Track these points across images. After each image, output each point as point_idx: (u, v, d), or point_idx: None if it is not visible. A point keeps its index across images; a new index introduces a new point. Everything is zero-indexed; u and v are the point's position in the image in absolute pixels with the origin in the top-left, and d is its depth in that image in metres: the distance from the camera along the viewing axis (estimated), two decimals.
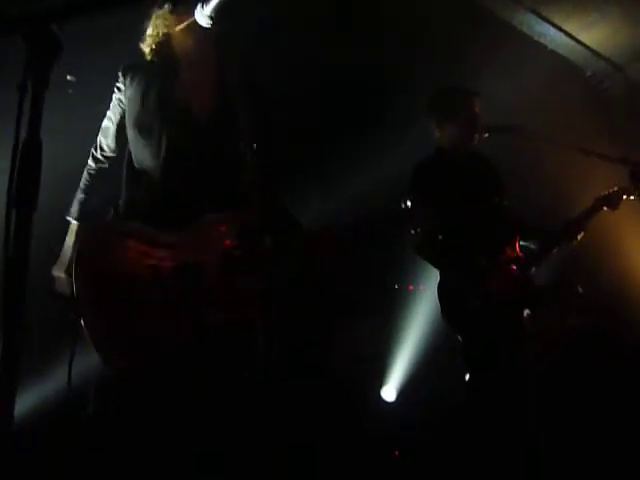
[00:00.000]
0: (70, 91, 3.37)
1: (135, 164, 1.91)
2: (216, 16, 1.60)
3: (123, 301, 1.65)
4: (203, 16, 1.60)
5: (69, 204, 2.03)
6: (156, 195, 1.82)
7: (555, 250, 2.96)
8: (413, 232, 2.38)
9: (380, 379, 4.18)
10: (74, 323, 1.66)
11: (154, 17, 1.92)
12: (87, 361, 1.86)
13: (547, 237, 2.94)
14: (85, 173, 2.03)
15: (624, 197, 2.91)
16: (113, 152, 2.02)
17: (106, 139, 2.02)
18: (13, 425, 0.81)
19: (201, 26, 1.79)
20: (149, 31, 1.95)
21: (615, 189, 2.92)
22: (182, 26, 1.87)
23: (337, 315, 4.11)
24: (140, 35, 1.98)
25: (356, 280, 4.32)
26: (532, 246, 2.97)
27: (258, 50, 3.47)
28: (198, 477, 1.79)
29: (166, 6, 1.90)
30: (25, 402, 2.89)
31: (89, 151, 2.09)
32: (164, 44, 1.94)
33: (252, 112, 1.92)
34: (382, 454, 3.74)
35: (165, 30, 1.92)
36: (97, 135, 2.06)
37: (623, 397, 3.43)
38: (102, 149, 2.03)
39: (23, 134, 0.81)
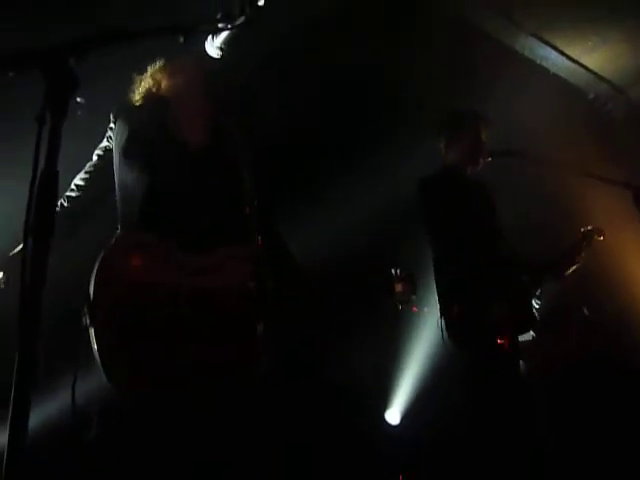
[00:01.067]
0: (79, 113, 3.42)
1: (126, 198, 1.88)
2: (226, 48, 1.64)
3: (135, 314, 1.63)
4: (213, 47, 1.63)
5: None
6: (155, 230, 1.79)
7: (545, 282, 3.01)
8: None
9: (384, 402, 4.16)
10: (78, 345, 1.66)
11: (147, 75, 1.97)
12: (90, 383, 1.86)
13: (536, 270, 2.98)
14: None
15: (595, 237, 3.01)
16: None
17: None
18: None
19: (190, 64, 1.86)
20: (139, 87, 1.98)
21: (589, 228, 3.02)
22: (170, 69, 1.91)
23: (340, 337, 4.10)
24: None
25: (360, 302, 4.32)
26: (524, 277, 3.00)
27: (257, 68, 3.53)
28: None
29: (161, 61, 1.93)
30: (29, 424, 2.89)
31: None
32: (154, 88, 1.97)
33: (248, 144, 1.95)
34: (387, 478, 3.70)
35: (155, 83, 1.96)
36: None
37: (628, 420, 3.41)
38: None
39: (41, 164, 0.83)
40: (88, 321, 1.59)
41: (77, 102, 3.64)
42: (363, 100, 4.03)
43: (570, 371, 3.71)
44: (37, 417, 2.85)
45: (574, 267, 2.97)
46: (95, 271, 1.64)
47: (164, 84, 1.93)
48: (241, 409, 1.84)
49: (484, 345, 2.67)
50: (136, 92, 1.96)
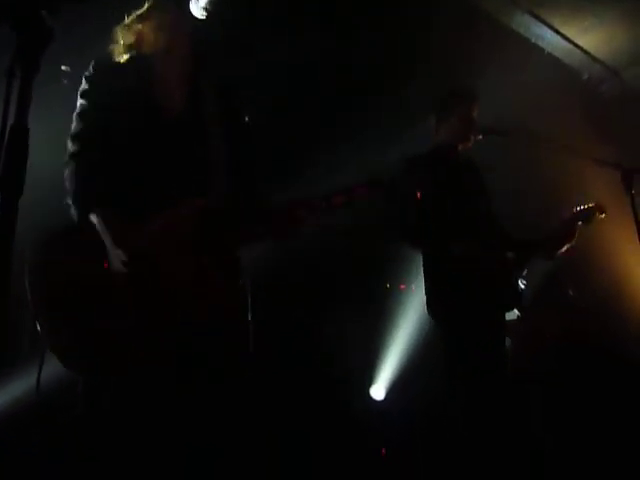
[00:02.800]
0: (65, 82, 3.36)
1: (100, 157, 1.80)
2: (211, 8, 1.60)
3: (76, 303, 1.63)
4: (198, 7, 1.59)
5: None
6: (122, 189, 1.75)
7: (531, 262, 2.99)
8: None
9: (369, 378, 4.20)
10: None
11: (129, 25, 1.89)
12: None
13: (525, 249, 2.96)
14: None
15: (597, 215, 2.94)
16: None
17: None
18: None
19: (175, 18, 1.80)
20: (122, 40, 1.90)
21: (590, 205, 2.96)
22: (155, 24, 1.85)
23: (327, 313, 4.11)
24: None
25: (348, 279, 4.33)
26: (512, 255, 2.99)
27: (253, 48, 3.48)
28: (188, 473, 1.78)
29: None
30: (13, 401, 2.89)
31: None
32: (136, 43, 1.90)
33: (225, 111, 1.91)
34: (370, 452, 3.75)
35: (138, 37, 1.89)
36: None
37: (611, 398, 3.46)
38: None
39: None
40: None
41: (62, 70, 3.52)
42: (351, 78, 4.00)
43: (554, 350, 3.75)
44: (22, 392, 2.85)
45: (567, 246, 2.96)
46: (26, 273, 1.64)
47: (146, 39, 1.88)
48: (227, 385, 1.82)
49: (462, 322, 2.68)
50: (118, 46, 1.89)
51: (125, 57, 1.88)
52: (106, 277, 1.67)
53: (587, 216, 2.95)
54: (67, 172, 1.77)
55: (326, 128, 4.05)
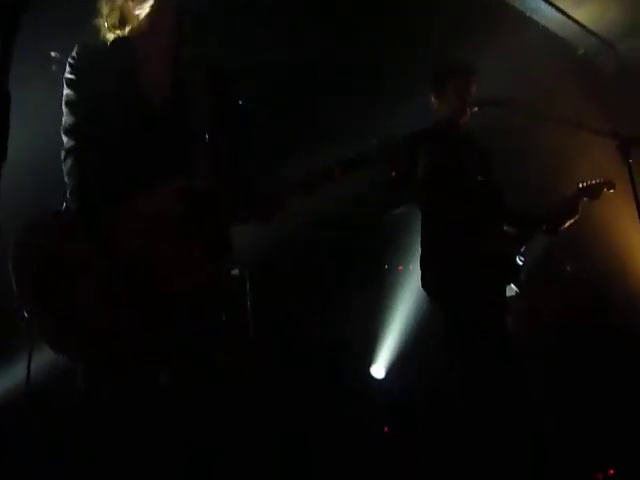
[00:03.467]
0: (54, 68, 3.31)
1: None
2: None
3: (60, 291, 1.61)
4: None
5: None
6: (102, 178, 1.74)
7: (533, 237, 2.97)
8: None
9: (369, 357, 4.21)
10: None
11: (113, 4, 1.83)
12: None
13: (527, 225, 2.94)
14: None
15: (605, 190, 2.91)
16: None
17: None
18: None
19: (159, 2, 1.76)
20: (105, 10, 1.84)
21: (598, 181, 2.92)
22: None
23: (326, 295, 4.11)
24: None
25: (346, 260, 4.33)
26: (513, 230, 2.97)
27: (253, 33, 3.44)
28: (182, 459, 1.78)
29: None
30: (13, 383, 2.89)
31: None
32: (120, 20, 1.83)
33: (209, 95, 1.87)
34: (371, 431, 3.77)
35: (119, 11, 1.82)
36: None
37: (610, 374, 3.47)
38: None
39: None
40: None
41: (52, 57, 3.47)
42: (350, 55, 3.95)
43: (553, 327, 3.76)
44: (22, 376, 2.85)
45: (570, 222, 2.93)
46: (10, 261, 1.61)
47: (129, 15, 1.82)
48: (229, 369, 1.83)
49: (460, 297, 2.67)
50: (102, 23, 1.84)
51: (110, 37, 1.84)
52: (93, 261, 1.64)
53: (594, 192, 2.92)
54: (66, 167, 1.76)
55: (323, 113, 4.02)
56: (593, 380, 3.44)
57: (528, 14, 4.41)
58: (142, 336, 1.66)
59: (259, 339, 3.35)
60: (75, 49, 1.82)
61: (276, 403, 3.34)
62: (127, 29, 1.83)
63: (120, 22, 1.82)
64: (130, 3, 1.80)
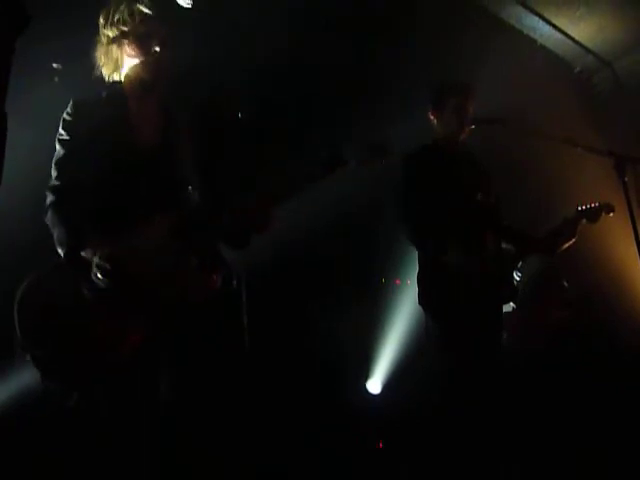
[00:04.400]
0: (56, 79, 3.34)
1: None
2: None
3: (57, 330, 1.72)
4: None
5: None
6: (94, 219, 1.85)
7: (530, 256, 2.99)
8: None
9: (366, 372, 4.19)
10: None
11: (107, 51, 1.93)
12: None
13: (525, 244, 2.95)
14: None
15: (604, 213, 2.93)
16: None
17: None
18: None
19: (153, 55, 1.84)
20: (102, 60, 1.95)
21: (597, 204, 2.95)
22: (133, 54, 1.87)
23: (323, 309, 4.11)
24: None
25: (343, 274, 4.33)
26: (510, 248, 2.98)
27: (250, 48, 3.46)
28: (180, 462, 1.79)
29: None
30: (8, 391, 2.88)
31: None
32: (115, 70, 1.96)
33: (202, 128, 1.98)
34: (366, 445, 3.75)
35: (117, 59, 1.93)
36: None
37: (604, 388, 3.46)
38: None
39: None
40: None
41: (54, 68, 3.50)
42: (346, 72, 3.98)
43: (549, 343, 3.75)
44: (17, 384, 2.83)
45: (568, 244, 2.95)
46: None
47: (125, 68, 1.93)
48: (225, 378, 1.85)
49: (458, 315, 2.67)
50: (101, 72, 1.96)
51: (106, 89, 1.96)
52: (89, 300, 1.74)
53: (593, 215, 2.94)
54: (48, 219, 1.87)
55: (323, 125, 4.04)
56: (589, 396, 3.44)
57: (525, 32, 4.45)
58: (141, 355, 1.72)
59: (254, 353, 3.34)
60: (69, 106, 1.93)
61: (271, 417, 3.33)
62: (123, 75, 1.94)
63: (115, 70, 1.94)
64: (125, 56, 1.90)
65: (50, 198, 1.89)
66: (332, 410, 3.76)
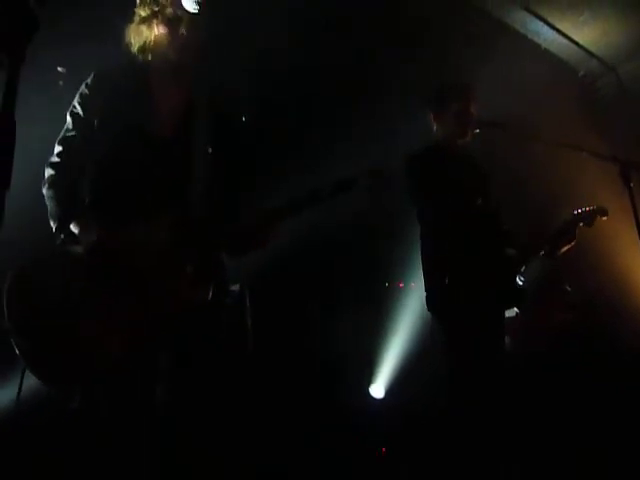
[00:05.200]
0: (61, 83, 3.35)
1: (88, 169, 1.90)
2: (203, 2, 1.58)
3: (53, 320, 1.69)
4: (190, 1, 1.58)
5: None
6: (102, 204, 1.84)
7: (532, 259, 2.99)
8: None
9: (369, 376, 4.18)
10: None
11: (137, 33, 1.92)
12: None
13: (527, 248, 2.96)
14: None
15: (599, 217, 2.95)
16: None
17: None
18: None
19: (183, 45, 1.83)
20: (131, 37, 1.93)
21: (592, 208, 2.97)
22: (162, 35, 1.87)
23: (326, 312, 4.10)
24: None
25: (346, 278, 4.33)
26: (512, 252, 2.98)
27: (255, 45, 3.46)
28: (182, 469, 1.78)
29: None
30: (10, 394, 2.88)
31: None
32: (143, 49, 1.93)
33: (216, 125, 1.96)
34: (370, 451, 3.74)
35: (146, 38, 1.91)
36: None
37: (608, 393, 3.45)
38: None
39: None
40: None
41: (59, 71, 3.51)
42: (349, 73, 3.98)
43: (552, 346, 3.75)
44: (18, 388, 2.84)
45: (567, 247, 2.96)
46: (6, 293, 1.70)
47: (157, 49, 1.91)
48: (225, 380, 1.84)
49: (461, 318, 2.67)
50: (130, 47, 1.93)
51: (129, 62, 1.93)
52: (83, 291, 1.71)
53: (588, 218, 2.95)
54: (44, 192, 1.86)
55: (324, 127, 4.04)
56: (592, 399, 3.43)
57: (529, 36, 4.45)
58: (139, 356, 1.70)
59: (258, 356, 3.34)
60: (90, 77, 1.92)
61: (274, 421, 3.32)
62: (149, 56, 1.91)
63: (143, 49, 1.90)
64: (153, 36, 1.88)
65: (49, 172, 1.88)
66: (335, 414, 3.75)
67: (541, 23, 4.32)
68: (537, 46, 4.52)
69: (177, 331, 1.76)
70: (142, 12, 1.89)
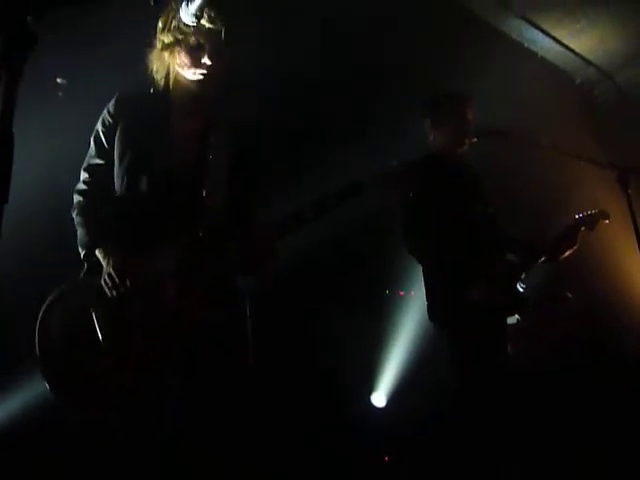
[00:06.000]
0: (60, 94, 3.36)
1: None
2: (200, 15, 1.59)
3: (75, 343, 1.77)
4: (188, 14, 1.59)
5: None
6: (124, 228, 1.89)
7: (535, 265, 2.99)
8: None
9: (370, 385, 4.17)
10: None
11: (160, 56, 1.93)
12: None
13: (528, 253, 2.95)
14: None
15: (600, 220, 2.95)
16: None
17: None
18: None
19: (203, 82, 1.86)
20: (154, 64, 1.95)
21: (593, 212, 2.97)
22: (184, 63, 1.88)
23: (327, 321, 4.10)
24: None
25: (347, 286, 4.32)
26: (514, 258, 2.98)
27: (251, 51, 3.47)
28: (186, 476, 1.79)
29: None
30: (12, 402, 2.87)
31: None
32: (165, 77, 1.95)
33: (234, 152, 1.98)
34: (372, 460, 3.72)
35: (168, 65, 1.93)
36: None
37: (608, 400, 3.44)
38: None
39: None
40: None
41: (58, 83, 3.53)
42: (347, 82, 3.99)
43: (553, 353, 3.74)
44: (19, 402, 2.83)
45: (569, 252, 2.95)
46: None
47: (176, 82, 1.93)
48: (228, 392, 1.84)
49: (464, 327, 2.67)
50: (152, 74, 1.95)
51: (150, 88, 1.96)
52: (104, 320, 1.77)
53: (590, 222, 2.95)
54: (74, 219, 1.94)
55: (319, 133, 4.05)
56: (596, 405, 3.42)
57: (526, 44, 4.48)
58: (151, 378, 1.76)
59: (258, 366, 3.33)
60: (111, 102, 1.96)
61: (275, 430, 3.31)
62: (170, 85, 1.94)
63: (165, 77, 1.92)
64: (176, 64, 1.89)
65: (77, 198, 1.95)
66: (336, 422, 3.74)
67: (537, 31, 4.35)
68: (534, 54, 4.54)
69: (187, 346, 1.78)
70: (165, 39, 1.87)
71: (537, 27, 4.29)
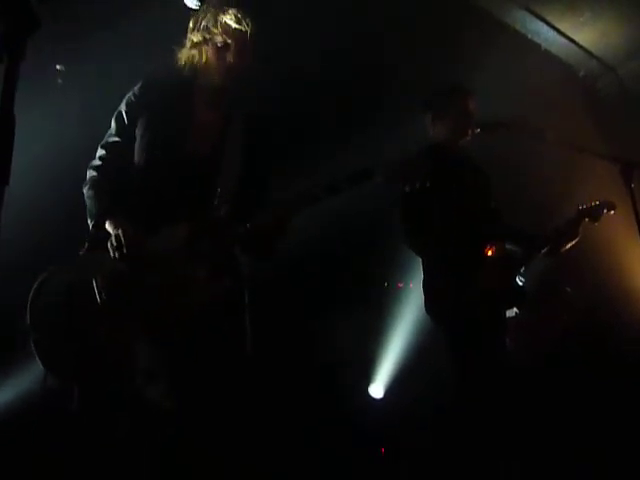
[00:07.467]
0: (60, 81, 3.34)
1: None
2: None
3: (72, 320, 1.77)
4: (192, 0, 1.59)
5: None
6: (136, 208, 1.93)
7: (536, 256, 2.97)
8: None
9: (368, 376, 4.18)
10: None
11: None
12: None
13: (530, 244, 2.94)
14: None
15: (605, 211, 2.91)
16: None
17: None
18: None
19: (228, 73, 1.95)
20: (183, 60, 2.04)
21: (597, 202, 2.92)
22: (210, 60, 1.98)
23: (325, 313, 4.10)
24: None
25: (345, 278, 4.32)
26: (515, 249, 2.97)
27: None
28: (183, 473, 1.78)
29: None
30: (8, 396, 2.87)
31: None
32: (193, 67, 2.03)
33: (250, 143, 2.06)
34: (369, 451, 3.73)
35: (196, 63, 2.02)
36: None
37: (607, 395, 3.45)
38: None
39: None
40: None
41: (57, 70, 3.52)
42: (348, 76, 3.97)
43: (552, 347, 3.75)
44: (18, 390, 2.83)
45: (571, 243, 2.93)
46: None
47: (203, 72, 2.02)
48: (225, 383, 1.85)
49: (463, 320, 2.66)
50: (180, 64, 2.04)
51: (175, 75, 2.04)
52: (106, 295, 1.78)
53: (594, 213, 2.91)
54: (85, 192, 1.98)
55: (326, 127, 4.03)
56: (594, 401, 3.43)
57: (530, 36, 4.45)
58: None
59: (257, 357, 3.33)
60: (139, 85, 2.05)
61: (273, 422, 3.32)
62: (196, 75, 2.04)
63: (192, 68, 2.03)
64: (203, 61, 2.00)
65: (91, 173, 2.02)
66: (334, 414, 3.75)
67: (541, 23, 4.32)
68: (537, 46, 4.52)
69: (177, 332, 1.78)
70: (194, 38, 2.00)
71: (541, 19, 4.27)
